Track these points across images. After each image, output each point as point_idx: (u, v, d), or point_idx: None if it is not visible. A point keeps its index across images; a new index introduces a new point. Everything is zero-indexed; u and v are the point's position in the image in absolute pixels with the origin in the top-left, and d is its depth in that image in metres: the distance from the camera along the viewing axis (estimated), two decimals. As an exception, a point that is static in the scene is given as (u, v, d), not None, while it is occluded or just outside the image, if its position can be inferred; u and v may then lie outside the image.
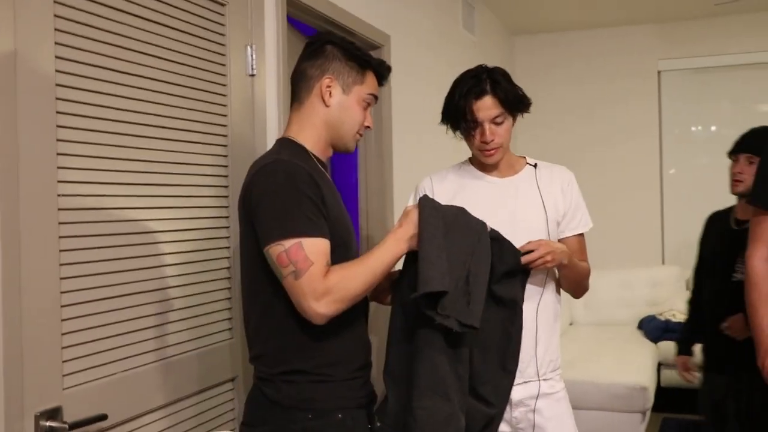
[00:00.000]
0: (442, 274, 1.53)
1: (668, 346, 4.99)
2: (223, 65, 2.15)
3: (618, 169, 5.81)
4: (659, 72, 5.76)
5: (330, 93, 1.68)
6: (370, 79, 1.73)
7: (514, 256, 1.84)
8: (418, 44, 3.77)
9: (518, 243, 2.00)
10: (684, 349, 3.15)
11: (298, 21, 2.86)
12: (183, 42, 1.98)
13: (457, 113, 2.01)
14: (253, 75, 2.27)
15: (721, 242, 2.78)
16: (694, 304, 3.09)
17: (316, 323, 1.52)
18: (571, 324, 5.46)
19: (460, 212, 1.71)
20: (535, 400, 2.02)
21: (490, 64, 2.09)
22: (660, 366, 5.05)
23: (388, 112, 3.36)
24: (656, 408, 4.55)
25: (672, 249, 5.72)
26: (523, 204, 2.06)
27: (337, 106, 1.69)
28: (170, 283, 1.91)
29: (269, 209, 1.52)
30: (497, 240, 1.82)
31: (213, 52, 2.11)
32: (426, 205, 1.63)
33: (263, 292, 1.60)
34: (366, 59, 1.72)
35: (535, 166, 2.13)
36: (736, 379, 2.66)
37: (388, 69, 1.79)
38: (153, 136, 1.86)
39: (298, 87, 1.71)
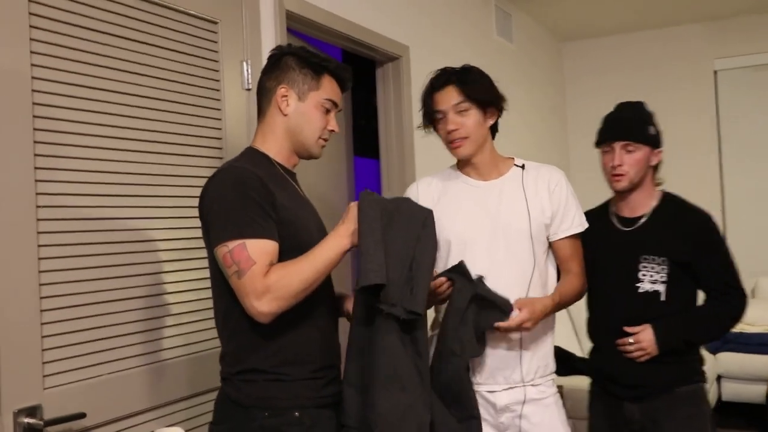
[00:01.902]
0: (380, 266, 1.55)
1: (728, 358, 4.78)
2: (217, 81, 2.25)
3: (675, 176, 5.57)
4: (715, 72, 5.56)
5: (287, 102, 1.73)
6: (327, 84, 1.77)
7: (501, 311, 1.87)
8: (441, 54, 3.78)
9: (499, 247, 2.01)
10: None
11: (307, 36, 2.94)
12: (173, 60, 2.08)
13: (426, 110, 2.04)
14: (249, 89, 2.35)
15: (611, 245, 2.26)
16: None
17: (261, 321, 1.56)
18: (626, 334, 5.29)
19: (403, 201, 1.72)
20: (522, 405, 1.99)
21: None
22: (720, 378, 4.84)
23: (410, 122, 3.38)
24: (718, 423, 4.34)
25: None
26: (506, 207, 2.04)
27: (294, 113, 1.74)
28: (161, 289, 2.00)
29: (217, 213, 1.59)
30: (485, 299, 1.85)
31: (206, 68, 2.20)
32: (364, 199, 1.64)
33: (223, 295, 1.66)
34: (322, 65, 1.76)
35: (522, 167, 2.10)
36: (654, 406, 2.17)
37: (348, 71, 1.82)
38: (144, 150, 1.97)
39: (260, 100, 1.79)
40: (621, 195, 2.29)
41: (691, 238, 2.19)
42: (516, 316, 1.88)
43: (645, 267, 2.19)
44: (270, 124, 1.76)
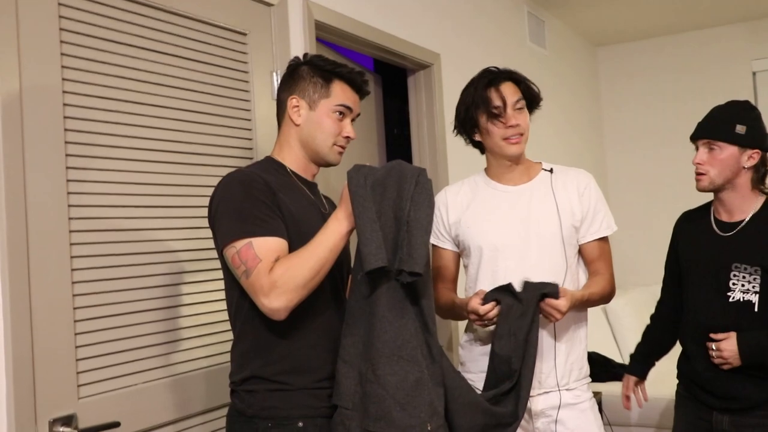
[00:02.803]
0: (378, 248, 1.51)
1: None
2: (247, 91, 2.27)
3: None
4: (754, 73, 5.43)
5: (298, 113, 1.74)
6: (339, 90, 1.75)
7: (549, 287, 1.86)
8: (473, 61, 3.75)
9: (531, 251, 1.98)
10: (638, 369, 2.45)
11: (337, 45, 2.95)
12: (203, 72, 2.11)
13: (477, 106, 2.01)
14: (279, 100, 2.36)
15: (706, 251, 2.19)
16: (656, 318, 2.45)
17: (276, 318, 1.53)
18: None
19: (395, 164, 1.64)
20: (557, 410, 1.96)
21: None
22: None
23: (442, 130, 3.37)
24: None
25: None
26: (536, 212, 2.02)
27: (305, 123, 1.74)
28: (193, 299, 2.01)
29: (223, 215, 1.59)
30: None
31: (236, 79, 2.23)
32: (353, 176, 1.59)
33: (232, 299, 1.66)
34: (332, 71, 1.75)
35: (550, 171, 2.09)
36: (745, 421, 2.08)
37: (361, 75, 1.79)
38: (175, 161, 2.00)
39: (277, 112, 1.81)
40: (716, 196, 2.21)
41: None
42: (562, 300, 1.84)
43: (736, 276, 2.08)
44: (285, 135, 1.78)
